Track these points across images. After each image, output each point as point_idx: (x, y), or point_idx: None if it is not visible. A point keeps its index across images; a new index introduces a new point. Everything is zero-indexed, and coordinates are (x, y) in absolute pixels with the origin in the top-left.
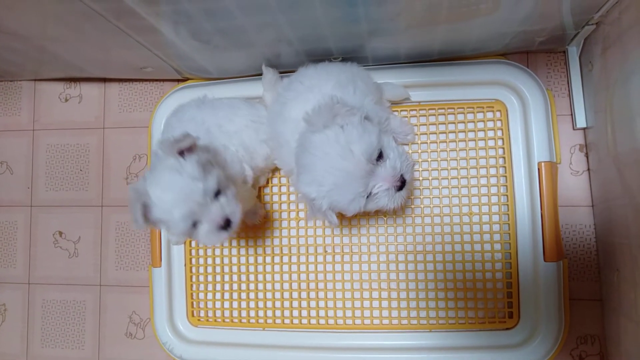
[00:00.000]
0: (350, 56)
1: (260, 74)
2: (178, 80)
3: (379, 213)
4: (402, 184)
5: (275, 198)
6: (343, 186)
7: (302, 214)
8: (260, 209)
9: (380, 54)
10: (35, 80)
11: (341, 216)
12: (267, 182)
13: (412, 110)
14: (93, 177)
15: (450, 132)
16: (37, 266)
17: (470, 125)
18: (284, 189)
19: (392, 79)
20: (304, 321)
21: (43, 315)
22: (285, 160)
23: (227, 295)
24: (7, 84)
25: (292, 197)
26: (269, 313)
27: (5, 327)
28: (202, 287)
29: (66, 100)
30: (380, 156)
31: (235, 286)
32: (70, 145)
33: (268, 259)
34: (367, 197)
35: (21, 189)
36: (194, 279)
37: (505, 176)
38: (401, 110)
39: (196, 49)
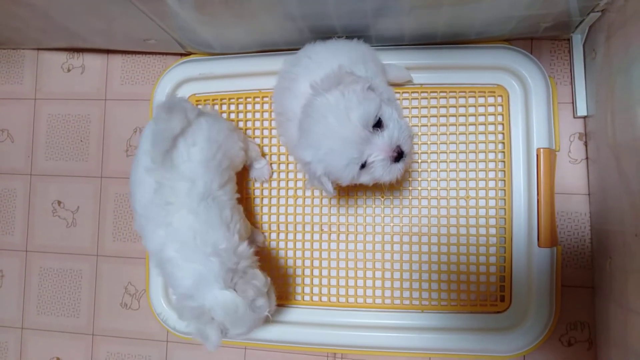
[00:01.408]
0: (354, 35)
1: (264, 51)
2: (181, 55)
3: (375, 191)
4: (399, 156)
5: (274, 175)
6: (338, 151)
7: (299, 192)
8: (258, 235)
9: (384, 35)
10: (38, 49)
11: (338, 193)
12: (274, 159)
13: (414, 92)
14: (93, 148)
15: (451, 115)
16: (35, 234)
17: (472, 110)
18: (282, 167)
19: (395, 60)
20: (298, 297)
21: (40, 283)
22: (292, 135)
23: None
24: (10, 52)
25: (291, 175)
26: None
27: (2, 293)
28: None
29: (69, 70)
30: (379, 125)
31: None
32: (71, 116)
33: (265, 235)
34: (363, 167)
35: (21, 157)
36: None
37: (504, 161)
38: (403, 92)
39: (200, 21)
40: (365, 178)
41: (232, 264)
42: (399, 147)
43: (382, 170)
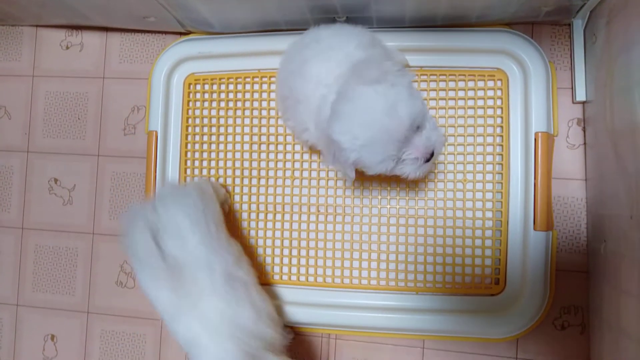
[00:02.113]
0: (355, 16)
1: (264, 31)
2: (180, 34)
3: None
4: (430, 157)
5: (272, 156)
6: (378, 144)
7: (297, 173)
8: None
9: (384, 16)
10: (37, 26)
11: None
12: (264, 140)
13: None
14: (90, 126)
15: (450, 98)
16: (31, 211)
17: (471, 93)
18: (280, 147)
19: (395, 42)
20: (293, 277)
21: (35, 260)
22: (301, 118)
23: None
24: (8, 28)
25: (288, 156)
26: (259, 268)
27: None
28: None
29: (67, 48)
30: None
31: None
32: (69, 93)
33: (261, 216)
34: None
35: (18, 134)
36: None
37: (502, 145)
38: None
39: None
40: (394, 172)
41: (252, 348)
42: (433, 149)
43: (411, 169)
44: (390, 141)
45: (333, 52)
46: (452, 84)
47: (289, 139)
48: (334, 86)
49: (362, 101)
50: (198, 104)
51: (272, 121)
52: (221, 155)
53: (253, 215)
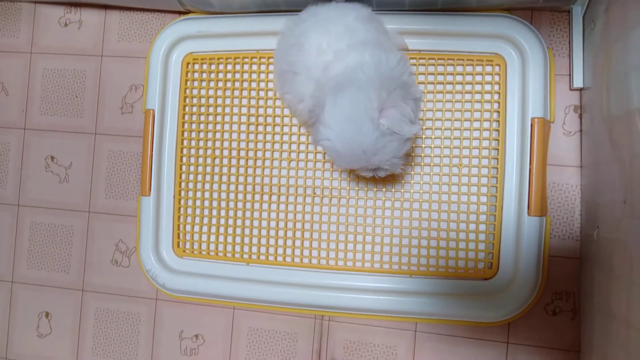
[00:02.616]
0: None
1: (264, 11)
2: (180, 13)
3: None
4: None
5: (269, 137)
6: (349, 157)
7: (293, 155)
8: None
9: None
10: (35, 2)
11: None
12: (261, 120)
13: (412, 58)
14: (88, 105)
15: (448, 82)
16: (27, 189)
17: (469, 78)
18: (277, 128)
19: (394, 25)
20: (288, 259)
21: (31, 237)
22: (300, 89)
23: (213, 229)
24: (7, 4)
25: (285, 137)
26: (254, 249)
27: None
28: (189, 219)
29: (65, 25)
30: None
31: (222, 220)
32: (67, 71)
33: (257, 197)
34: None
35: (15, 111)
36: (181, 210)
37: (498, 130)
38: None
39: None
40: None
41: None
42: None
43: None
44: (360, 158)
45: (332, 24)
46: (450, 68)
47: (287, 120)
48: (336, 59)
49: (353, 112)
50: (196, 83)
51: (270, 102)
52: (218, 135)
53: (249, 196)
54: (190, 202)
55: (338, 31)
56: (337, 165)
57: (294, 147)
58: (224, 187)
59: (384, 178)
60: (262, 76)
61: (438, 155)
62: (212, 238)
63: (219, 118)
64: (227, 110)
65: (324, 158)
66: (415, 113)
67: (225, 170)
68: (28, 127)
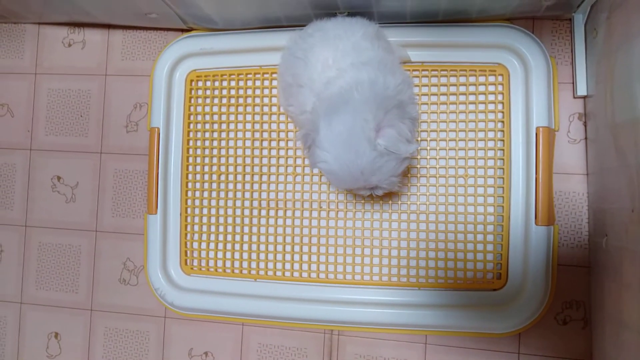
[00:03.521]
0: (356, 11)
1: (266, 27)
2: (182, 30)
3: None
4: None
5: (274, 152)
6: (346, 180)
7: (299, 169)
8: None
9: (386, 11)
10: (39, 23)
11: None
12: (265, 136)
13: (414, 70)
14: (93, 124)
15: (451, 94)
16: (34, 209)
17: (472, 88)
18: (282, 144)
19: (396, 38)
20: (296, 274)
21: (39, 258)
22: (303, 101)
23: (220, 246)
24: (11, 26)
25: (290, 152)
26: (261, 265)
27: (1, 268)
28: (196, 236)
29: (69, 45)
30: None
31: (229, 237)
32: (71, 91)
33: (263, 212)
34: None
35: (21, 132)
36: (188, 228)
37: (503, 140)
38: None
39: None
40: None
41: None
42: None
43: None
44: (357, 180)
45: (340, 41)
46: (453, 79)
47: (291, 135)
48: (337, 76)
49: (349, 135)
50: (200, 100)
51: (275, 117)
52: (223, 152)
53: (255, 212)
54: (196, 219)
55: (345, 48)
56: (335, 186)
57: (299, 161)
58: (230, 203)
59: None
60: (266, 92)
61: (444, 167)
62: (220, 255)
63: (223, 135)
64: (232, 126)
65: None
66: (412, 132)
67: (231, 186)
68: (34, 148)
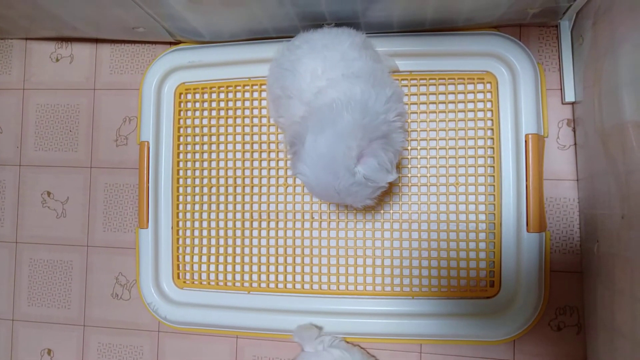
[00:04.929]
0: (343, 22)
1: (254, 39)
2: (170, 43)
3: None
4: None
5: (264, 164)
6: (319, 194)
7: (290, 180)
8: None
9: (373, 21)
10: (26, 39)
11: None
12: (256, 148)
13: (403, 79)
14: (82, 138)
15: (440, 102)
16: (24, 225)
17: (460, 96)
18: (272, 155)
19: (384, 48)
20: (289, 285)
21: (30, 274)
22: (293, 112)
23: (212, 259)
24: None
25: (281, 164)
26: (254, 277)
27: None
28: (188, 249)
29: (57, 60)
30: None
31: (221, 250)
32: (60, 106)
33: (255, 224)
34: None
35: (10, 148)
36: (180, 241)
37: (493, 147)
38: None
39: (188, 8)
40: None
41: None
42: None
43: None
44: (333, 196)
45: (328, 51)
46: (441, 88)
47: (282, 146)
48: (328, 85)
49: (330, 152)
50: (189, 113)
51: (264, 129)
52: (213, 164)
53: (247, 224)
54: (188, 233)
55: (334, 58)
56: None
57: (289, 172)
58: (221, 215)
59: (381, 200)
60: (255, 103)
61: (434, 175)
62: (212, 268)
63: (213, 147)
64: (222, 138)
65: None
66: (392, 163)
67: (222, 199)
68: (23, 164)
